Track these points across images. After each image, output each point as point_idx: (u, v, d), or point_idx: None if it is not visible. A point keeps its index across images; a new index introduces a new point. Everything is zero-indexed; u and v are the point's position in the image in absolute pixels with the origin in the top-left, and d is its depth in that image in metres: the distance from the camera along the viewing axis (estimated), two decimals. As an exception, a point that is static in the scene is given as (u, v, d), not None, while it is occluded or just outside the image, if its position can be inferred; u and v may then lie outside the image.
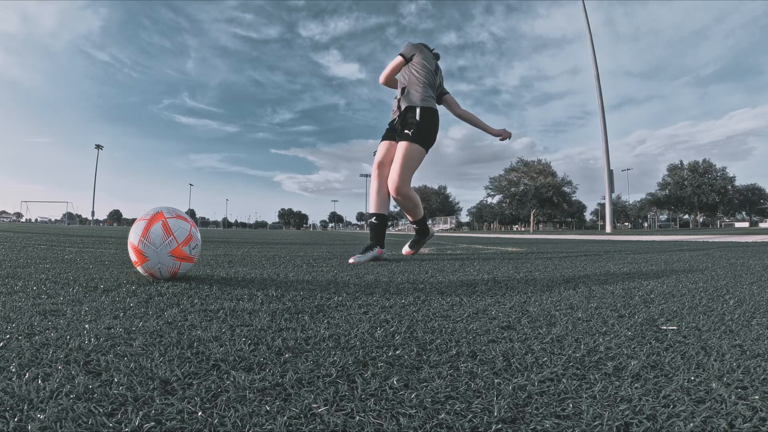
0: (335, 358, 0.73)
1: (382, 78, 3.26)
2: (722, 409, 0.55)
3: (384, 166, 3.10)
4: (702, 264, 2.66)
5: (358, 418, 0.52)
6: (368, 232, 3.06)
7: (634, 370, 0.69)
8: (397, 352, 0.78)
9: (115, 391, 0.57)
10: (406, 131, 2.98)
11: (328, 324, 0.99)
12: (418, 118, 2.96)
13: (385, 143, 3.17)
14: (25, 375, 0.62)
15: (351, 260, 2.79)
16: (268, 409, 0.54)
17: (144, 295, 1.30)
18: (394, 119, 3.15)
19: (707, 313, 1.15)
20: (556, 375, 0.67)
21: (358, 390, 0.60)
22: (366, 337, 0.88)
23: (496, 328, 0.97)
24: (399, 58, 3.16)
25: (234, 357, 0.73)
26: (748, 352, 0.79)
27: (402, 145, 2.98)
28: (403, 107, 3.05)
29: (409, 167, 2.96)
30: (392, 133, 3.16)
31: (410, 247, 3.57)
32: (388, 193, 3.08)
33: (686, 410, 0.54)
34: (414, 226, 3.41)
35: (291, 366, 0.69)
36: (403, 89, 3.09)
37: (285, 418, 0.51)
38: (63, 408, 0.52)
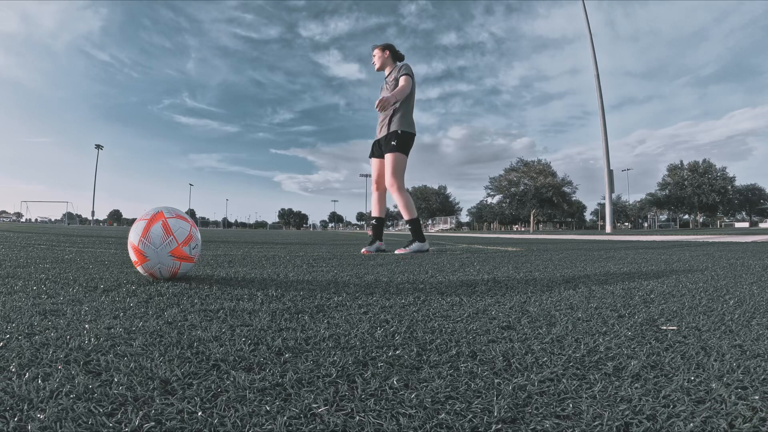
0: (335, 358, 0.73)
1: (403, 94, 3.69)
2: (722, 409, 0.55)
3: (380, 180, 3.97)
4: (702, 264, 2.66)
5: (358, 418, 0.52)
6: (369, 232, 4.04)
7: (634, 370, 0.69)
8: (397, 352, 0.78)
9: (115, 391, 0.57)
10: (392, 143, 3.73)
11: (328, 324, 0.99)
12: (396, 141, 3.72)
13: (374, 161, 4.02)
14: (25, 375, 0.62)
15: (363, 251, 3.78)
16: (268, 409, 0.54)
17: (144, 295, 1.30)
18: (379, 138, 3.91)
19: (707, 313, 1.15)
20: (556, 375, 0.67)
21: (358, 390, 0.60)
22: (366, 337, 0.88)
23: (496, 328, 0.97)
24: (410, 80, 3.71)
25: (234, 357, 0.73)
26: (748, 352, 0.79)
27: (389, 156, 3.75)
28: (390, 130, 3.75)
29: (398, 171, 3.76)
30: (378, 150, 3.96)
31: (404, 246, 3.92)
32: (384, 201, 4.06)
33: (686, 410, 0.54)
34: (408, 226, 3.96)
35: (291, 366, 0.69)
36: (394, 112, 3.75)
37: (285, 418, 0.51)
38: (63, 408, 0.52)
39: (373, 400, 0.57)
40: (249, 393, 0.58)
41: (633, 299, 1.36)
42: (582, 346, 0.83)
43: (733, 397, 0.58)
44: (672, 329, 0.97)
